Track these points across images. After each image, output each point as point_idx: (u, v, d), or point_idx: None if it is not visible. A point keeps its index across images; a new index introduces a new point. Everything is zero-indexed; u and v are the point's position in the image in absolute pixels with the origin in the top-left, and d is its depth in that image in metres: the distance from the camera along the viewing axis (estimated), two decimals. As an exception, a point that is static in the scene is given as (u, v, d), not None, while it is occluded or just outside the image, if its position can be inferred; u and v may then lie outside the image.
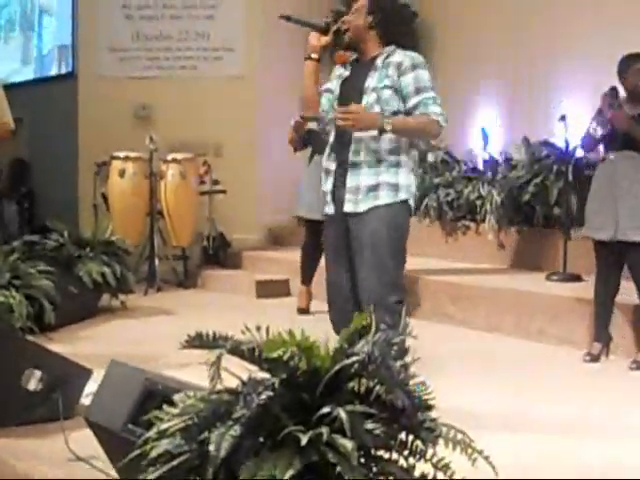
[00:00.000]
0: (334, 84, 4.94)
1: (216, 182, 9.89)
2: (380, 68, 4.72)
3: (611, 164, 6.03)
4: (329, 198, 4.85)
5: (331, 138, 4.90)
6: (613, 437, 4.53)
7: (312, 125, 7.42)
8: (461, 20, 9.89)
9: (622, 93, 6.05)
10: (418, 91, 4.64)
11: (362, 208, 4.65)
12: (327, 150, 4.92)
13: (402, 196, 4.67)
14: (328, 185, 4.86)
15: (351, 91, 4.79)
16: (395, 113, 4.66)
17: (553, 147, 8.21)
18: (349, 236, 4.73)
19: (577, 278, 7.36)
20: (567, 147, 7.59)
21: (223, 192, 9.91)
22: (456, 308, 7.46)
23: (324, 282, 5.00)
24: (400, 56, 4.72)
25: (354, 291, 4.78)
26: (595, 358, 6.10)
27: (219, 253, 10.03)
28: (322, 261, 6.66)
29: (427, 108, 4.62)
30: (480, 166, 8.97)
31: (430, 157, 9.05)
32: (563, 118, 7.43)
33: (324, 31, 4.85)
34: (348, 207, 4.68)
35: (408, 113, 4.67)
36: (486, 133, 9.24)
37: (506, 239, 8.28)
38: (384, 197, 4.66)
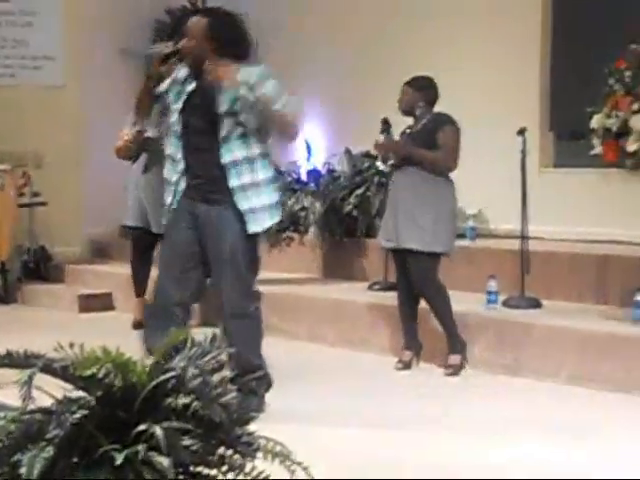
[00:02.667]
0: (171, 89, 5.01)
1: (36, 194, 9.66)
2: (225, 91, 4.83)
3: (395, 180, 6.34)
4: (171, 211, 4.98)
5: (168, 149, 5.00)
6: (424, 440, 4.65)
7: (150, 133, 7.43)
8: (287, 31, 9.94)
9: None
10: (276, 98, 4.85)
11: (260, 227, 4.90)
12: (167, 162, 5.02)
13: (276, 218, 5.01)
14: (169, 197, 4.98)
15: (199, 112, 4.90)
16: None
17: (375, 159, 8.33)
18: (205, 251, 4.90)
19: (398, 287, 7.50)
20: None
21: (44, 204, 9.68)
22: (279, 319, 7.47)
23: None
24: (245, 74, 4.86)
25: (183, 302, 4.95)
26: (406, 365, 6.27)
27: (40, 267, 9.79)
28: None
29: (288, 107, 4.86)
30: (304, 177, 9.03)
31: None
32: (384, 130, 7.55)
33: (163, 60, 4.92)
34: (243, 205, 4.82)
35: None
36: (309, 145, 9.31)
37: (329, 250, 8.37)
38: (275, 216, 4.97)
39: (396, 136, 6.45)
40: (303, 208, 8.51)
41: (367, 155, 8.50)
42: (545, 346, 6.03)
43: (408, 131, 6.32)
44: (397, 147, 6.30)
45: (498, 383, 5.96)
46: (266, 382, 5.02)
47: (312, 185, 8.75)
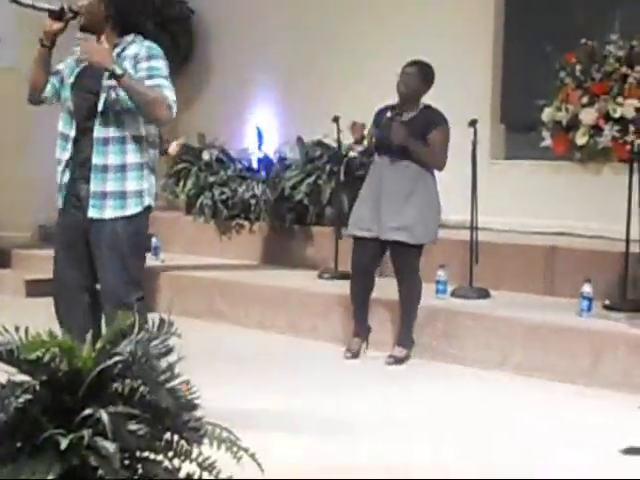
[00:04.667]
0: (68, 65, 4.78)
1: (-17, 178, 9.55)
2: (114, 60, 4.52)
3: (379, 167, 6.23)
4: (63, 192, 4.72)
5: (60, 126, 4.75)
6: (375, 434, 4.66)
7: None
8: (239, 18, 9.91)
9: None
10: (151, 77, 4.55)
11: (108, 215, 4.55)
12: (58, 140, 4.77)
13: (146, 202, 4.62)
14: (64, 177, 4.71)
15: (88, 84, 4.65)
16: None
17: (327, 147, 8.34)
18: (88, 236, 4.61)
19: (348, 276, 7.47)
20: (339, 148, 7.72)
21: (-10, 188, 9.57)
22: (229, 306, 7.46)
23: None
24: (137, 47, 4.63)
25: (87, 286, 4.72)
26: (355, 354, 6.29)
27: (-14, 251, 9.68)
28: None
29: (161, 90, 4.53)
30: (255, 165, 9.01)
31: (205, 155, 9.01)
32: (336, 119, 7.55)
33: (58, 16, 4.63)
34: (93, 213, 4.55)
35: None
36: (261, 132, 9.28)
37: (279, 237, 8.35)
38: (131, 206, 4.58)
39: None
40: (254, 196, 8.49)
41: (319, 144, 8.49)
42: (492, 336, 6.07)
43: (398, 118, 6.10)
44: (401, 133, 6.02)
45: (445, 372, 5.99)
46: None
47: (263, 173, 8.73)
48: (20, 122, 9.88)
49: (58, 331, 2.49)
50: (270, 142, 9.29)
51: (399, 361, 6.13)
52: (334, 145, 7.87)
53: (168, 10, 10.03)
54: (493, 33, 8.26)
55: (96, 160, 4.55)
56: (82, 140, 4.64)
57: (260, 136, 9.24)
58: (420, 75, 6.13)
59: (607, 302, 6.21)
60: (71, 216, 4.69)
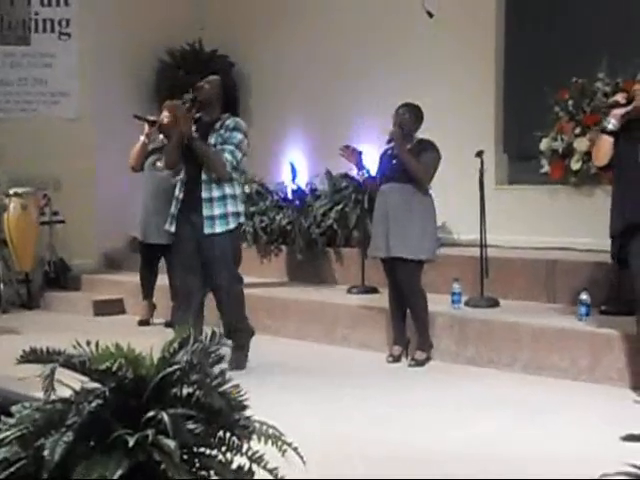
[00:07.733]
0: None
1: (55, 213, 9.64)
2: (217, 130, 5.93)
3: (383, 194, 6.24)
4: (174, 220, 5.93)
5: (182, 175, 5.96)
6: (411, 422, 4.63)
7: None
8: (273, 69, 9.96)
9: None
10: (225, 142, 5.91)
11: (218, 230, 5.82)
12: (179, 185, 5.98)
13: (241, 220, 6.03)
14: (176, 210, 5.94)
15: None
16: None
17: (351, 179, 8.34)
18: (201, 248, 5.84)
19: (374, 290, 7.49)
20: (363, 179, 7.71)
21: (62, 222, 9.66)
22: (271, 320, 7.46)
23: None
24: (230, 121, 6.00)
25: (200, 286, 5.88)
26: (396, 359, 6.24)
27: (60, 277, 9.75)
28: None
29: (223, 152, 5.87)
30: (290, 196, 9.02)
31: (246, 189, 9.03)
32: (359, 154, 7.53)
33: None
34: (207, 230, 5.81)
35: None
36: (294, 167, 9.30)
37: (313, 258, 8.35)
38: (231, 223, 5.88)
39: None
40: (289, 223, 8.49)
41: (345, 176, 8.50)
42: (502, 340, 6.03)
43: (389, 152, 6.26)
44: (399, 141, 6.10)
45: (462, 372, 5.96)
46: (250, 333, 6.15)
47: (297, 203, 8.74)
48: (84, 164, 9.98)
49: (123, 344, 2.50)
50: (302, 176, 9.30)
51: (420, 363, 6.10)
52: (357, 177, 7.86)
53: (214, 64, 10.06)
54: (495, 75, 8.25)
55: (205, 195, 5.81)
56: (192, 184, 5.84)
57: (294, 171, 9.25)
58: (411, 114, 6.18)
59: (603, 307, 6.16)
60: (188, 237, 5.85)
